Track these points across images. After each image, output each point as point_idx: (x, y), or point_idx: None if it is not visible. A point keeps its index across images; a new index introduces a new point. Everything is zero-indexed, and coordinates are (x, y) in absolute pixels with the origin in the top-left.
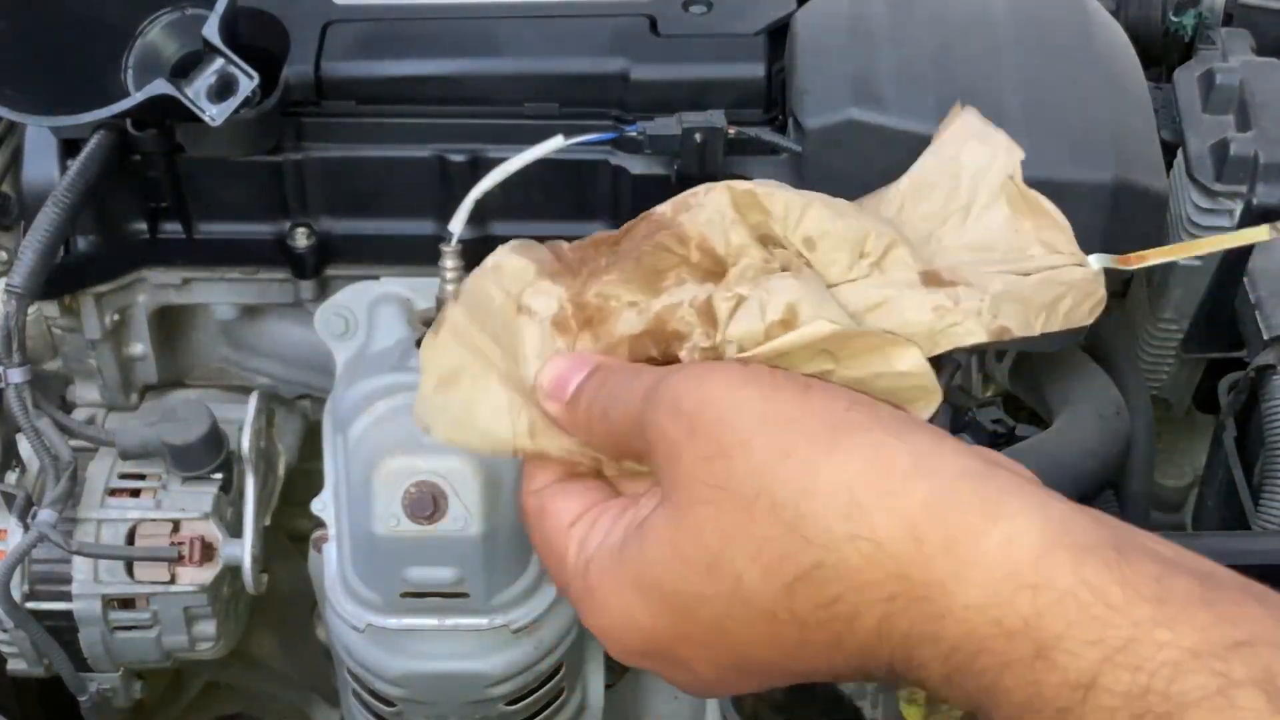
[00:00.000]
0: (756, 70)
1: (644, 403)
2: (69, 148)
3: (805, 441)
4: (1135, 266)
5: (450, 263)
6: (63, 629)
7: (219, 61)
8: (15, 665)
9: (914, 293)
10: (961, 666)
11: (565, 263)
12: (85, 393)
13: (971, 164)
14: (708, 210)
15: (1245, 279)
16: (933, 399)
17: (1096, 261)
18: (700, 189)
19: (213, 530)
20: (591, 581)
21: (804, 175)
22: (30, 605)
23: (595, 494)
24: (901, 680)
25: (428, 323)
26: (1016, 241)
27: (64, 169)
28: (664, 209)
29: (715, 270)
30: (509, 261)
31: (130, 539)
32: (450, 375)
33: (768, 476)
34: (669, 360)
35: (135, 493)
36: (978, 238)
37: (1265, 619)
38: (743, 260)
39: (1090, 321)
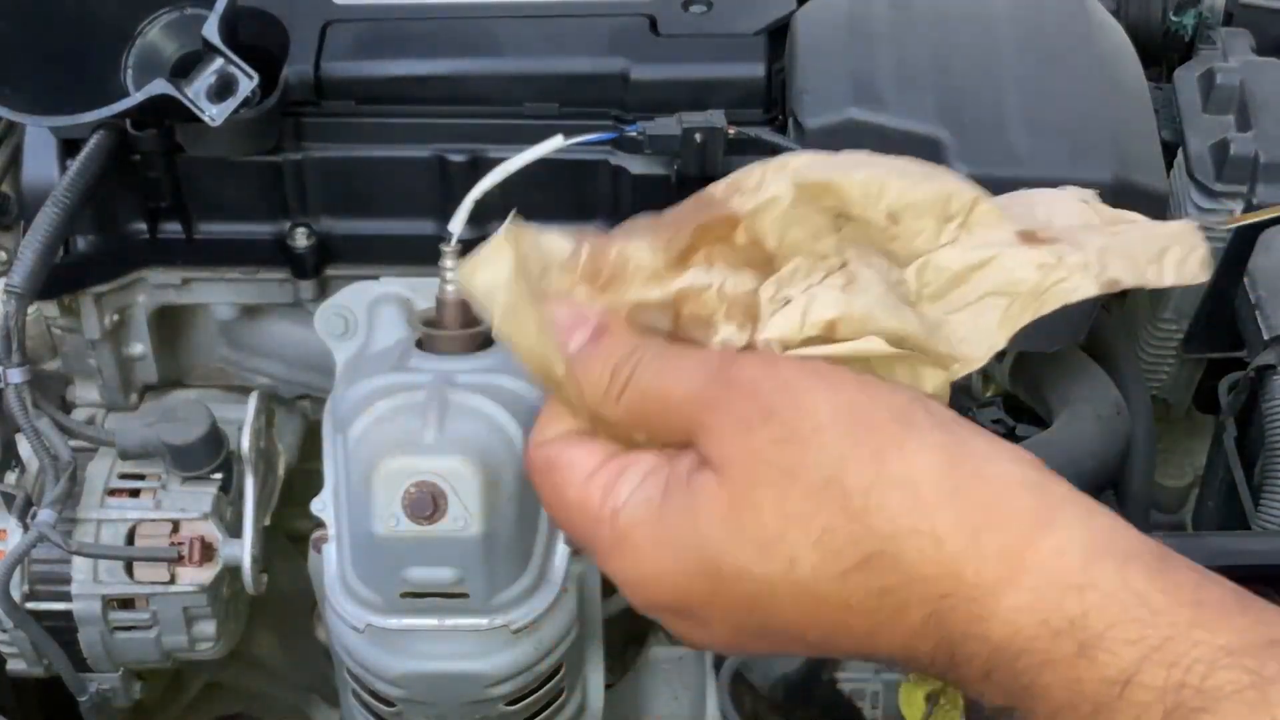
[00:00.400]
0: (756, 70)
1: (710, 383)
2: (69, 148)
3: (876, 434)
4: (1230, 226)
5: (450, 263)
6: (62, 629)
7: (219, 61)
8: (15, 665)
9: (1015, 250)
10: (1003, 665)
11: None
12: (85, 393)
13: (1043, 197)
14: (764, 198)
15: (1245, 279)
16: None
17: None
18: (757, 170)
19: (212, 530)
20: (622, 531)
21: None
22: (30, 605)
23: (609, 448)
24: (935, 675)
25: (428, 323)
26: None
27: (64, 169)
28: (716, 189)
29: (758, 262)
30: (552, 237)
31: (130, 539)
32: (519, 273)
33: (838, 465)
34: (674, 339)
35: (135, 493)
36: None
37: None
38: (795, 259)
39: (1204, 278)
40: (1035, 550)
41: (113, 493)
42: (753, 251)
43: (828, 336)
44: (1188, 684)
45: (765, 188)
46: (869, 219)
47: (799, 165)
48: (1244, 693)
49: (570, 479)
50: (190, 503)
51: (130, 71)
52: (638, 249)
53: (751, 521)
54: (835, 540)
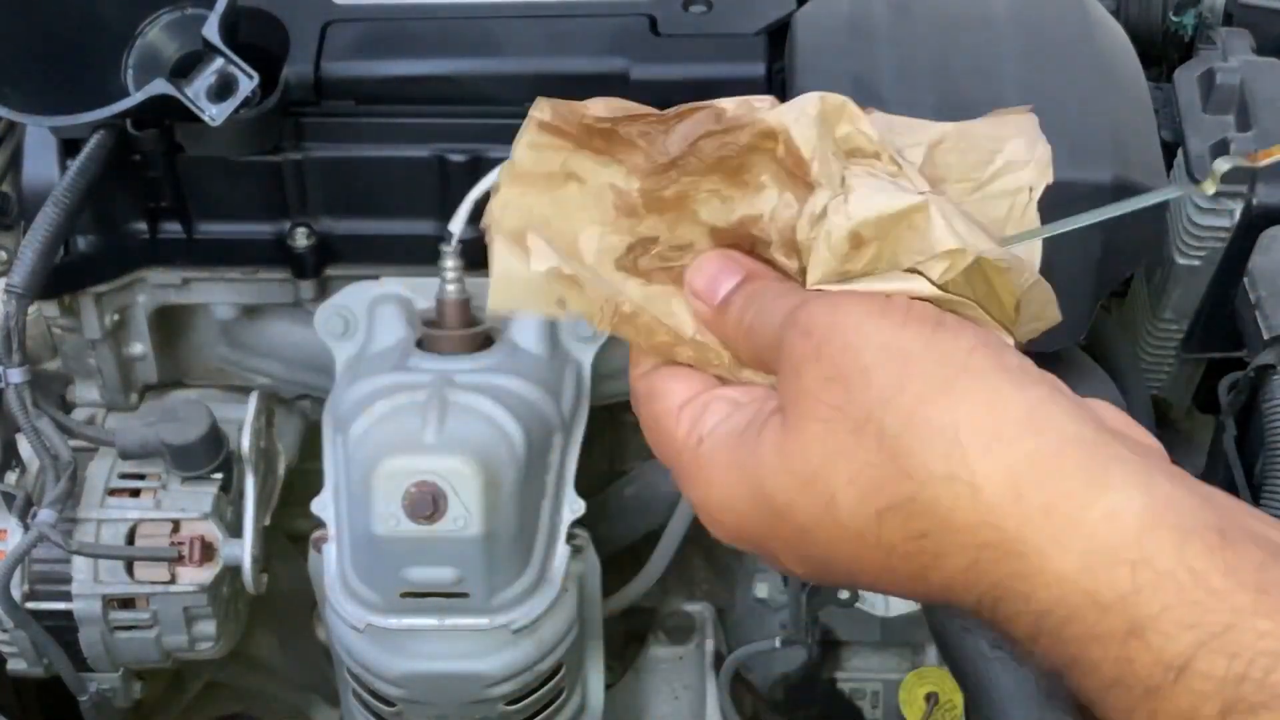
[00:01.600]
0: (756, 70)
1: (782, 325)
2: (69, 148)
3: (922, 377)
4: (1263, 163)
5: (450, 263)
6: (63, 629)
7: (219, 61)
8: (15, 665)
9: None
10: (1050, 631)
11: (604, 137)
12: (85, 393)
13: (1007, 158)
14: (795, 109)
15: (1245, 279)
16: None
17: (1225, 163)
18: (766, 97)
19: (213, 530)
20: (702, 459)
21: None
22: (30, 605)
23: (701, 381)
24: (988, 623)
25: (428, 323)
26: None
27: (64, 169)
28: (726, 104)
29: (797, 173)
30: (540, 138)
31: (130, 539)
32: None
33: (880, 406)
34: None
35: (135, 493)
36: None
37: None
38: (824, 171)
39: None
40: (1085, 512)
41: (113, 492)
42: (792, 163)
43: (859, 244)
44: (1249, 677)
45: (794, 100)
46: (881, 149)
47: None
48: None
49: (667, 409)
50: (190, 502)
51: (130, 71)
52: (691, 183)
53: (798, 456)
54: (871, 479)
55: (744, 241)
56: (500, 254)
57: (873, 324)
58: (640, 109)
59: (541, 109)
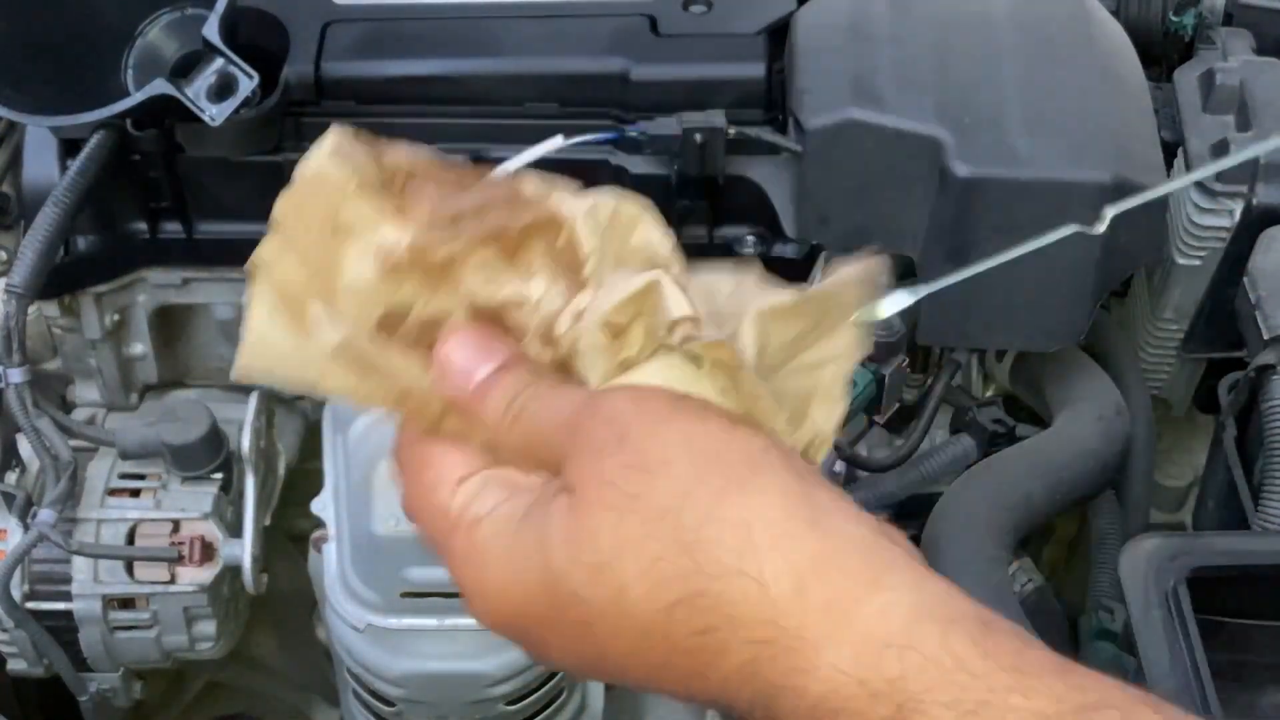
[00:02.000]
0: (756, 70)
1: (577, 411)
2: (69, 148)
3: (721, 473)
4: None
5: None
6: (63, 629)
7: (219, 61)
8: (15, 665)
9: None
10: None
11: (392, 186)
12: (85, 393)
13: (828, 329)
14: (588, 204)
15: (1245, 279)
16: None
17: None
18: (574, 182)
19: (213, 530)
20: (478, 542)
21: (804, 175)
22: (30, 605)
23: (480, 460)
24: None
25: None
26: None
27: (64, 169)
28: (527, 185)
29: (572, 268)
30: (331, 172)
31: (130, 539)
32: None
33: (679, 497)
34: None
35: (135, 493)
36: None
37: (1116, 688)
38: (598, 272)
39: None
40: (861, 608)
41: (113, 492)
42: (568, 258)
43: (618, 332)
44: None
45: (588, 195)
46: (670, 261)
47: (625, 195)
48: None
49: (442, 480)
50: (190, 502)
51: (130, 71)
52: (464, 248)
53: (589, 543)
54: (664, 572)
55: (498, 324)
56: (260, 313)
57: (676, 418)
58: (446, 163)
59: (343, 132)
